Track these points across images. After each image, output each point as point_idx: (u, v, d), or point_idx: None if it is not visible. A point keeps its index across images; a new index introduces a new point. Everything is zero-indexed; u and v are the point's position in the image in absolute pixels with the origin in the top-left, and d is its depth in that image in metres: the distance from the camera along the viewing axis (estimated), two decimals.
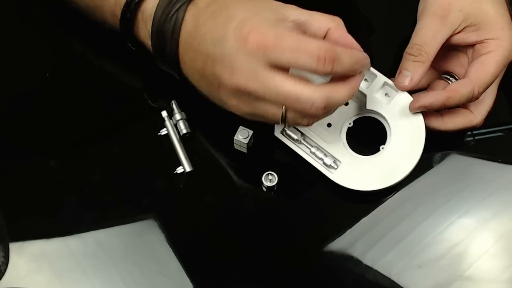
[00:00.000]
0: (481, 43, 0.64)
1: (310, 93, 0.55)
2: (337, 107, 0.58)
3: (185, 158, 0.66)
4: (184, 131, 0.67)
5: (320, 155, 0.63)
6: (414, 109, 0.63)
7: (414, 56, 0.64)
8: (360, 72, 0.58)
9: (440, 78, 0.67)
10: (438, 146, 0.68)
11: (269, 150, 0.67)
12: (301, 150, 0.64)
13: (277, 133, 0.65)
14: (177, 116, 0.68)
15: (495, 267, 0.62)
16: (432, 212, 0.64)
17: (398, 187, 0.65)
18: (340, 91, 0.56)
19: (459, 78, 0.66)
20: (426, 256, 0.62)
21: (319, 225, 0.64)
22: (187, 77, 0.62)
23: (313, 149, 0.64)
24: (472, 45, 0.65)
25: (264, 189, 0.65)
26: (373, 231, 0.63)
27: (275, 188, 0.65)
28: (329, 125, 0.65)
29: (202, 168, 0.66)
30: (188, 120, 0.68)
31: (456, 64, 0.67)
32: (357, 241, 0.62)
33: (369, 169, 0.63)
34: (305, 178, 0.66)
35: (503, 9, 0.65)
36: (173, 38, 0.60)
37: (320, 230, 0.64)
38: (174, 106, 0.68)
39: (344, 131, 0.66)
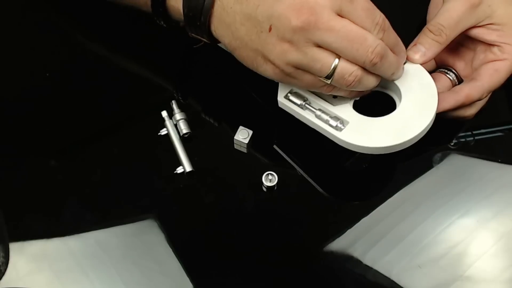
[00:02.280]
0: (499, 46, 0.64)
1: (374, 37, 0.56)
2: (386, 72, 0.59)
3: (185, 158, 0.66)
4: (184, 131, 0.67)
5: (326, 117, 0.62)
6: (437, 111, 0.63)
7: (434, 34, 0.63)
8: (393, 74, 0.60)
9: (439, 71, 0.67)
10: (438, 146, 0.68)
11: (269, 150, 0.67)
12: (306, 114, 0.62)
13: (281, 98, 0.63)
14: (177, 116, 0.67)
15: (495, 267, 0.62)
16: (432, 212, 0.64)
17: (398, 187, 0.65)
18: (393, 54, 0.59)
19: (457, 73, 0.66)
20: (426, 256, 0.62)
21: (319, 225, 0.64)
22: (219, 23, 0.60)
23: (318, 112, 0.62)
24: (488, 44, 0.65)
25: (264, 189, 0.65)
26: (373, 231, 0.63)
27: (275, 188, 0.65)
28: (335, 96, 0.63)
29: (202, 168, 0.66)
30: (188, 120, 0.68)
31: (458, 58, 0.67)
32: (357, 241, 0.62)
33: (380, 127, 0.61)
34: (305, 178, 0.66)
35: None
36: None
37: (320, 230, 0.64)
38: (174, 106, 0.68)
39: (350, 102, 0.63)
